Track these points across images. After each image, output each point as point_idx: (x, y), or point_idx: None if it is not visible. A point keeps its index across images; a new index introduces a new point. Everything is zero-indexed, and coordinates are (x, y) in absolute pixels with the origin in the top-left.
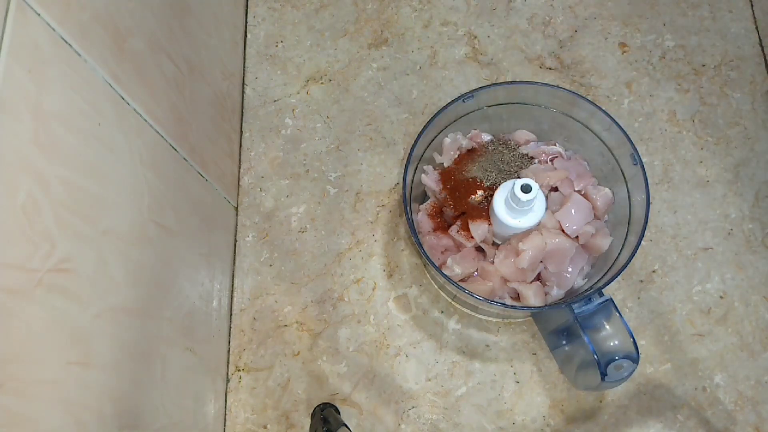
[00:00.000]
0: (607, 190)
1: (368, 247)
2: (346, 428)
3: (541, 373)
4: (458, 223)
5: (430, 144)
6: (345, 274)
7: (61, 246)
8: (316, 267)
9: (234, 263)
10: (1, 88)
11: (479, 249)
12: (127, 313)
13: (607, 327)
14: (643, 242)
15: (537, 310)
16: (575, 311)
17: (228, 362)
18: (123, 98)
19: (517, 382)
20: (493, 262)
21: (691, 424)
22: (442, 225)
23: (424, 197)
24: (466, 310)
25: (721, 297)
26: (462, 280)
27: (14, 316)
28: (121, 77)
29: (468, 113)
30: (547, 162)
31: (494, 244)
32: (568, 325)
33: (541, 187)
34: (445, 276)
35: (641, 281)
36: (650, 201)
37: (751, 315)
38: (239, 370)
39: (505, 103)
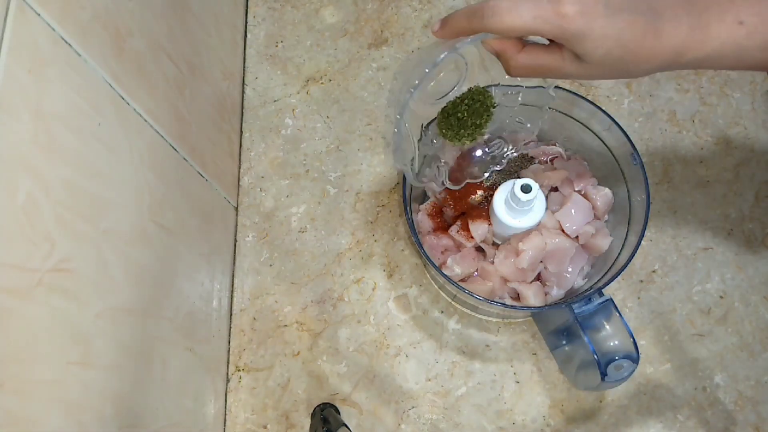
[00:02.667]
0: (607, 190)
1: (368, 247)
2: (346, 428)
3: (541, 373)
4: (458, 223)
5: None
6: (345, 274)
7: (61, 246)
8: (316, 267)
9: (234, 263)
10: (1, 88)
11: (479, 249)
12: (127, 313)
13: (607, 327)
14: (643, 242)
15: (537, 310)
16: (575, 311)
17: (228, 362)
18: (123, 98)
19: (517, 382)
20: (493, 262)
21: (691, 424)
22: (442, 225)
23: (424, 197)
24: (466, 310)
25: (721, 297)
26: (462, 280)
27: (14, 316)
28: (121, 77)
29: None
30: (547, 162)
31: (494, 244)
32: (568, 325)
33: (541, 187)
34: (445, 276)
35: (641, 281)
36: (650, 201)
37: (751, 315)
38: (239, 370)
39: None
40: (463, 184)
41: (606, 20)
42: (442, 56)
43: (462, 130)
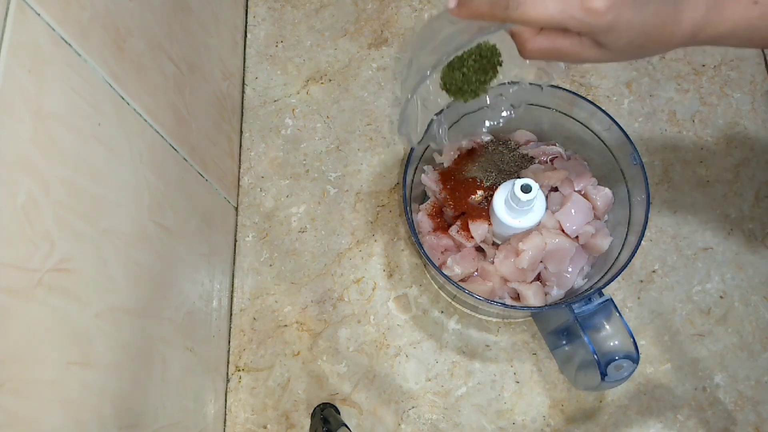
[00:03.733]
0: (607, 190)
1: (368, 247)
2: (346, 428)
3: (541, 373)
4: (458, 223)
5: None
6: (345, 274)
7: (61, 246)
8: (316, 267)
9: (234, 263)
10: (1, 88)
11: (479, 249)
12: (127, 313)
13: (607, 327)
14: (643, 242)
15: (537, 310)
16: (575, 311)
17: (228, 362)
18: (123, 98)
19: (517, 382)
20: (493, 262)
21: (691, 424)
22: (442, 225)
23: (424, 197)
24: (466, 310)
25: (721, 297)
26: (462, 280)
27: (14, 316)
28: (121, 77)
29: (468, 113)
30: (547, 162)
31: (494, 244)
32: (568, 325)
33: (541, 187)
34: (445, 276)
35: (641, 281)
36: (650, 201)
37: (751, 315)
38: (239, 370)
39: None
40: (462, 142)
41: (633, 12)
42: (460, 46)
43: (466, 86)
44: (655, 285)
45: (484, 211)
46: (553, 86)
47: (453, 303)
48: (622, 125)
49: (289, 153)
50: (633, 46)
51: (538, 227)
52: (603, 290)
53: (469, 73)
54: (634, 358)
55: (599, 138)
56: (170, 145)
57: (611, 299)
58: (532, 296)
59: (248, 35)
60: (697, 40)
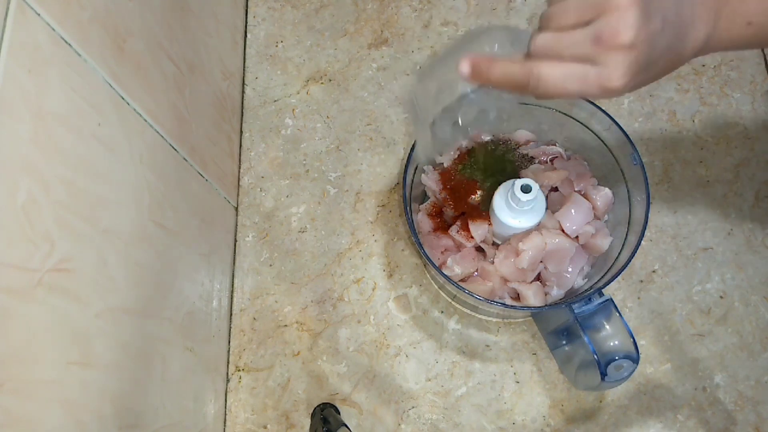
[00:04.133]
0: (607, 190)
1: (368, 247)
2: (346, 428)
3: (541, 373)
4: (458, 223)
5: None
6: (345, 274)
7: (61, 246)
8: (316, 267)
9: (234, 263)
10: (1, 88)
11: (479, 249)
12: (127, 313)
13: (607, 327)
14: (643, 242)
15: (537, 310)
16: (575, 311)
17: (228, 362)
18: (123, 98)
19: (517, 382)
20: (493, 262)
21: (691, 424)
22: (442, 225)
23: (424, 197)
24: (466, 310)
25: (721, 297)
26: (462, 280)
27: (14, 316)
28: (121, 77)
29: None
30: (547, 162)
31: (494, 244)
32: (568, 325)
33: (541, 187)
34: (445, 276)
35: (641, 281)
36: (650, 201)
37: (751, 315)
38: (239, 370)
39: None
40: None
41: (646, 75)
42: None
43: (491, 174)
44: (655, 285)
45: (484, 211)
46: None
47: (453, 303)
48: (622, 125)
49: (289, 153)
50: (642, 86)
51: (538, 227)
52: (603, 290)
53: (489, 171)
54: (634, 358)
55: (599, 138)
56: (170, 145)
57: (611, 299)
58: (532, 296)
59: (248, 35)
60: (694, 58)
